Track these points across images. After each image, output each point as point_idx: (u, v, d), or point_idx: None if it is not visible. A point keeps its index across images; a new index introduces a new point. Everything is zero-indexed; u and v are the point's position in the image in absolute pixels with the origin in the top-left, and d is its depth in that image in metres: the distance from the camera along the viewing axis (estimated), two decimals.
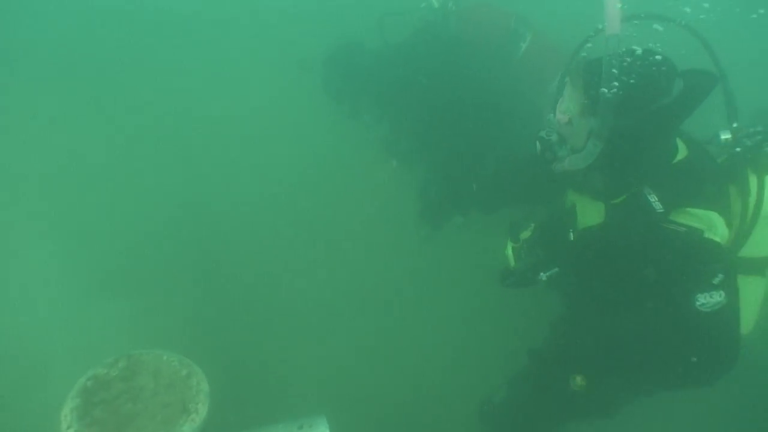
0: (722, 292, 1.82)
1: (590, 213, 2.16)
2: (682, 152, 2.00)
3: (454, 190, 3.10)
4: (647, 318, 1.95)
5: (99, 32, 5.27)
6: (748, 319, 2.06)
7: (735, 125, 2.01)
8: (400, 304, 3.62)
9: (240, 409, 2.24)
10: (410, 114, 3.34)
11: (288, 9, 5.19)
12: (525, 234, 2.42)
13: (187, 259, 3.83)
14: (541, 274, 2.16)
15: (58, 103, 4.77)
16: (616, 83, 1.75)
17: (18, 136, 4.52)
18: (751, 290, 2.03)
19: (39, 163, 4.35)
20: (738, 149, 2.00)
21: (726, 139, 2.02)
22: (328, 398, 2.87)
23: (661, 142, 1.93)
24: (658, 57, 1.85)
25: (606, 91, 1.76)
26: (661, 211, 1.88)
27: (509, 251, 2.44)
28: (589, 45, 2.09)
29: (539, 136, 2.07)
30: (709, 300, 1.82)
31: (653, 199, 1.90)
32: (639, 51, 1.86)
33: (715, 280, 1.82)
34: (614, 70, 1.74)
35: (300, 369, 3.22)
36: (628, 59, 1.82)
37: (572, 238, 2.18)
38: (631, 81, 1.78)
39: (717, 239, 1.87)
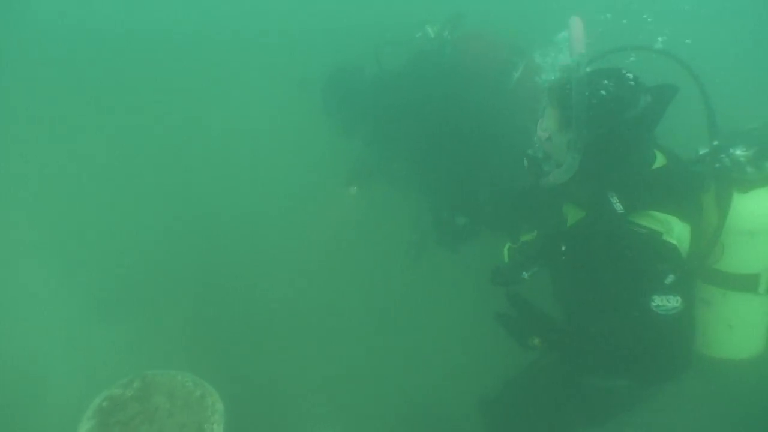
0: (679, 298, 1.91)
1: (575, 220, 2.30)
2: (660, 162, 2.13)
3: (469, 210, 3.20)
4: (611, 315, 2.05)
5: (104, 50, 5.32)
6: (756, 339, 2.18)
7: (715, 143, 2.13)
8: (404, 308, 3.71)
9: (254, 427, 2.31)
10: (405, 139, 3.46)
11: (290, 30, 5.33)
12: (526, 237, 2.57)
13: (187, 277, 3.89)
14: (524, 273, 2.30)
15: (58, 127, 4.83)
16: (587, 98, 1.91)
17: (20, 157, 4.57)
18: (750, 309, 2.15)
19: (38, 179, 4.43)
20: (717, 165, 2.12)
21: (704, 154, 2.16)
22: (338, 409, 2.95)
23: (634, 151, 2.06)
24: (625, 73, 2.01)
25: (578, 106, 1.91)
26: (621, 212, 2.01)
27: (506, 251, 2.59)
28: (564, 64, 2.24)
29: (526, 154, 2.23)
30: (665, 303, 1.91)
31: (614, 200, 2.03)
32: (607, 68, 2.03)
33: (667, 281, 1.91)
34: (584, 87, 1.90)
35: (307, 381, 3.29)
36: (603, 78, 1.98)
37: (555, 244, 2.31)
38: (602, 93, 1.94)
39: (673, 242, 1.97)
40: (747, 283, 2.13)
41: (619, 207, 2.02)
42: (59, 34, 5.45)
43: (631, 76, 2.01)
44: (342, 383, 3.29)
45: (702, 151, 2.16)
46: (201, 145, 4.78)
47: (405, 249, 3.72)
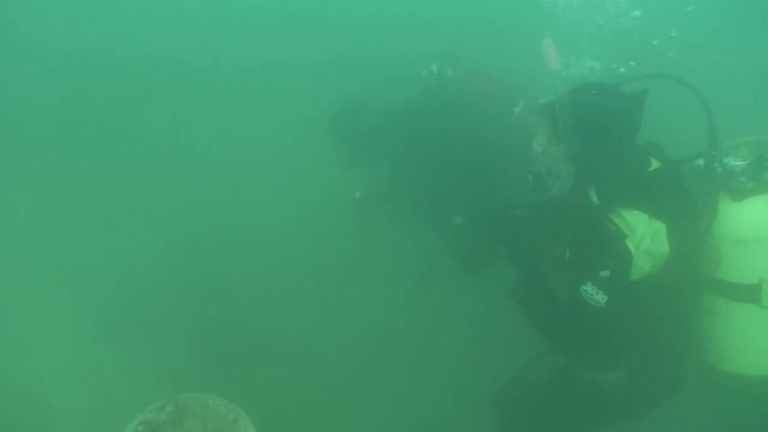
0: (606, 297, 2.06)
1: None
2: (654, 167, 2.26)
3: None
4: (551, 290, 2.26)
5: (108, 81, 5.46)
6: (765, 353, 2.25)
7: (714, 153, 2.24)
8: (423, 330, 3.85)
9: None
10: (413, 170, 3.64)
11: (298, 64, 5.51)
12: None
13: (200, 298, 3.98)
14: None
15: (65, 149, 4.92)
16: (572, 109, 2.13)
17: (30, 178, 4.66)
18: (756, 321, 2.21)
19: (46, 201, 4.51)
20: (711, 174, 2.23)
21: (700, 164, 2.26)
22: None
23: (623, 155, 2.21)
24: (606, 83, 2.25)
25: (562, 116, 2.13)
26: (597, 203, 2.18)
27: None
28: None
29: (530, 171, 2.40)
30: (592, 294, 2.08)
31: (592, 193, 2.21)
32: (589, 81, 2.30)
33: (602, 273, 2.07)
34: (566, 99, 2.12)
35: (330, 396, 3.39)
36: (585, 90, 2.22)
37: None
38: (586, 103, 2.16)
39: (629, 249, 2.09)
40: (748, 294, 2.19)
41: (594, 199, 2.20)
42: (62, 55, 5.57)
43: (610, 85, 2.24)
44: (367, 399, 3.40)
45: (698, 161, 2.26)
46: (206, 165, 4.91)
47: (414, 280, 3.85)
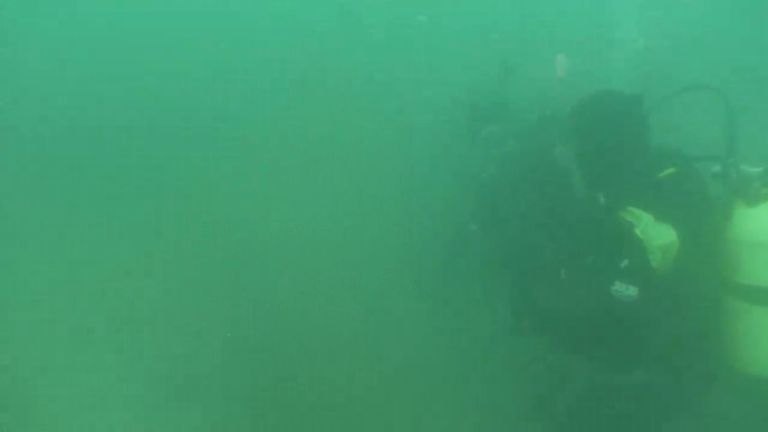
0: (636, 289, 2.09)
1: None
2: (668, 171, 2.28)
3: None
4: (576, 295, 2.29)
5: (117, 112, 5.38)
6: None
7: (730, 160, 2.29)
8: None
9: None
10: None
11: None
12: None
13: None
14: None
15: (87, 185, 4.75)
16: (585, 114, 2.35)
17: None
18: None
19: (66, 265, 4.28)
20: (727, 179, 2.28)
21: (716, 171, 2.31)
22: None
23: (630, 160, 2.29)
24: (616, 90, 2.38)
25: (573, 121, 2.35)
26: (603, 204, 2.30)
27: None
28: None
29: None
30: (623, 291, 2.10)
31: (600, 198, 2.34)
32: (602, 89, 2.41)
33: (622, 264, 2.11)
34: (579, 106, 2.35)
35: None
36: (599, 97, 2.37)
37: None
38: (598, 109, 2.33)
39: (638, 235, 2.11)
40: (766, 297, 2.21)
41: (602, 200, 2.32)
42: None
43: (618, 93, 2.36)
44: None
45: (715, 168, 2.32)
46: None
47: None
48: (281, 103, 5.09)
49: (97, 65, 5.61)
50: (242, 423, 3.43)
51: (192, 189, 4.64)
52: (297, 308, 3.90)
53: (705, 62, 3.89)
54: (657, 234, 2.12)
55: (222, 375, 3.64)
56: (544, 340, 2.40)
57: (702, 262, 2.21)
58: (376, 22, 5.59)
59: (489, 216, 3.54)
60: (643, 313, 2.14)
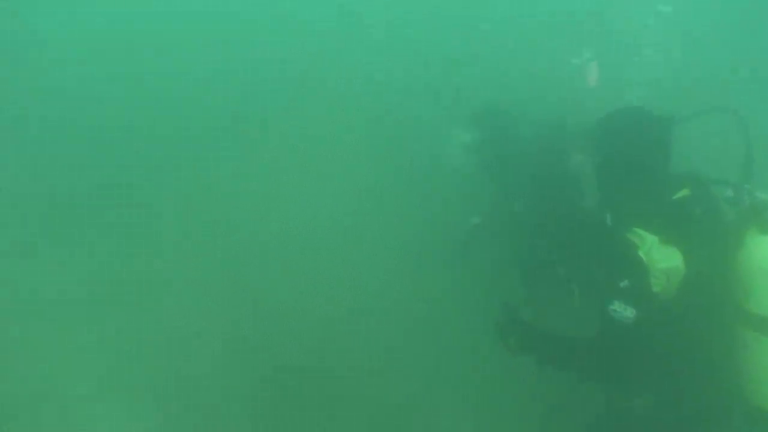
0: (633, 310, 2.07)
1: None
2: (682, 194, 2.27)
3: None
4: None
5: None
6: None
7: (747, 186, 2.27)
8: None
9: None
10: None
11: None
12: None
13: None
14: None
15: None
16: (604, 131, 2.35)
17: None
18: None
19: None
20: (739, 206, 2.25)
21: (729, 196, 2.29)
22: None
23: (644, 182, 2.26)
24: (637, 108, 2.37)
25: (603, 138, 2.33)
26: (609, 225, 2.28)
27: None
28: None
29: None
30: (621, 312, 2.09)
31: (607, 217, 2.33)
32: (624, 107, 2.41)
33: (622, 284, 2.09)
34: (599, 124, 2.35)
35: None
36: (619, 115, 2.35)
37: None
38: (616, 127, 2.32)
39: (641, 256, 2.10)
40: None
41: (609, 221, 2.31)
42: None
43: (642, 110, 2.33)
44: None
45: (728, 192, 2.30)
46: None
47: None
48: (281, 103, 5.05)
49: (97, 65, 5.56)
50: (242, 423, 3.45)
51: (192, 189, 4.61)
52: (297, 308, 3.87)
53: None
54: (661, 257, 2.10)
55: (222, 375, 3.64)
56: (532, 358, 2.35)
57: (712, 290, 2.17)
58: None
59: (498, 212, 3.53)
60: (641, 335, 2.11)
